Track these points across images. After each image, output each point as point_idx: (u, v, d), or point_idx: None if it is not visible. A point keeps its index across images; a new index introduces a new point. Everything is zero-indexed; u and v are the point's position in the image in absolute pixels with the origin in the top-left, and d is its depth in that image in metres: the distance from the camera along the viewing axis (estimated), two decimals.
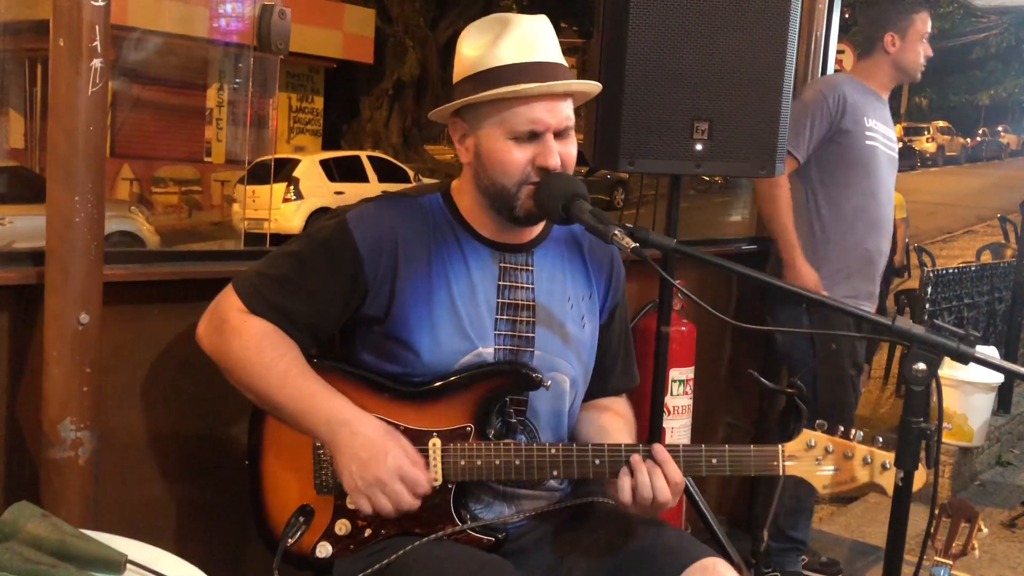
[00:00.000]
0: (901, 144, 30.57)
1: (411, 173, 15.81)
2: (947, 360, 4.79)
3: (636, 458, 1.61)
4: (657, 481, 1.59)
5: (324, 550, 1.67)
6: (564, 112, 1.65)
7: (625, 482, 1.60)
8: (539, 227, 1.78)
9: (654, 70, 2.34)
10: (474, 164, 1.69)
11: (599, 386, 1.88)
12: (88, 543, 1.31)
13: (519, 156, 1.63)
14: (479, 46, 1.66)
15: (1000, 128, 36.85)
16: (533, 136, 1.63)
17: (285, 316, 1.65)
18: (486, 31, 1.67)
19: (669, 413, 3.02)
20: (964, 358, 1.44)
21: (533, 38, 1.65)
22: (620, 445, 1.64)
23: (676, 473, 1.60)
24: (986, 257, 9.34)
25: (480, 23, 1.70)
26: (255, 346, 1.62)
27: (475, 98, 1.63)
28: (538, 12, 1.74)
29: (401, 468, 1.58)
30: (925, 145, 32.38)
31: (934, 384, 1.48)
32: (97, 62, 1.72)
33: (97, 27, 1.71)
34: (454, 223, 1.72)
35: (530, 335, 1.73)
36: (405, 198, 1.75)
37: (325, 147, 19.22)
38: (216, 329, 1.67)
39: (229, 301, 1.67)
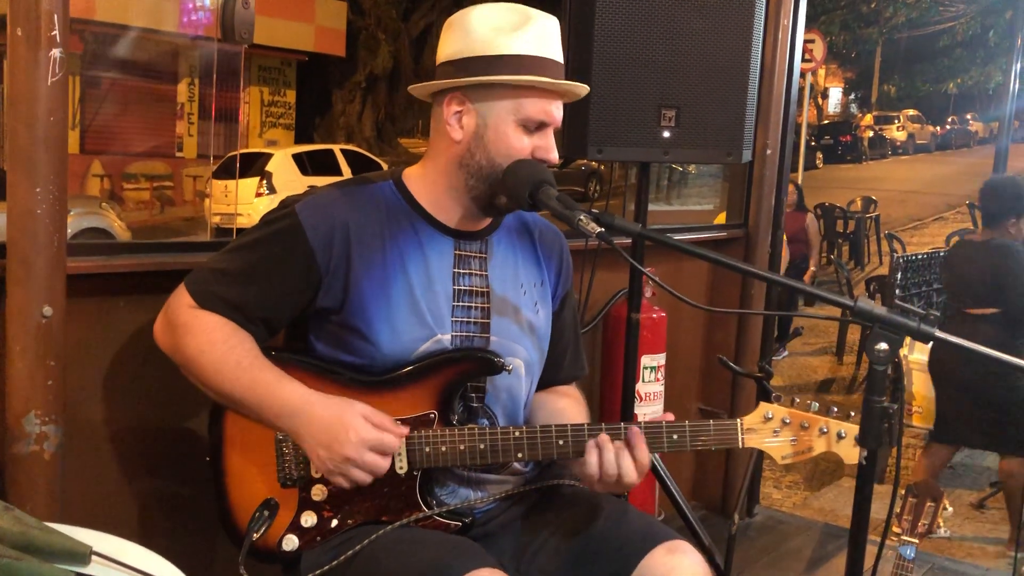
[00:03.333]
0: (872, 133, 30.87)
1: (384, 166, 15.76)
2: (918, 345, 4.86)
3: (604, 437, 1.62)
4: (623, 460, 1.60)
5: (291, 543, 1.66)
6: (560, 112, 1.71)
7: (593, 458, 1.61)
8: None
9: (621, 58, 2.35)
10: (468, 142, 1.68)
11: (552, 374, 1.90)
12: (52, 535, 1.30)
13: (525, 144, 1.67)
14: (497, 29, 1.65)
15: (969, 116, 37.24)
16: (539, 127, 1.67)
17: (236, 309, 1.64)
18: (502, 16, 1.67)
19: (641, 399, 3.04)
20: (925, 337, 1.46)
21: (551, 36, 1.69)
22: (583, 426, 1.66)
23: (644, 454, 1.62)
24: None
25: (496, 6, 1.69)
26: (207, 340, 1.61)
27: (507, 79, 1.63)
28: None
29: (366, 439, 1.57)
30: (895, 133, 32.64)
31: (905, 366, 1.50)
32: (56, 52, 1.70)
33: (56, 16, 1.68)
34: (409, 210, 1.72)
35: (485, 321, 1.73)
36: (356, 185, 1.74)
37: (298, 141, 19.13)
38: (169, 327, 1.66)
39: (181, 299, 1.66)
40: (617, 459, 1.60)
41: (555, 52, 1.68)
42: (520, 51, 1.64)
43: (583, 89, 1.72)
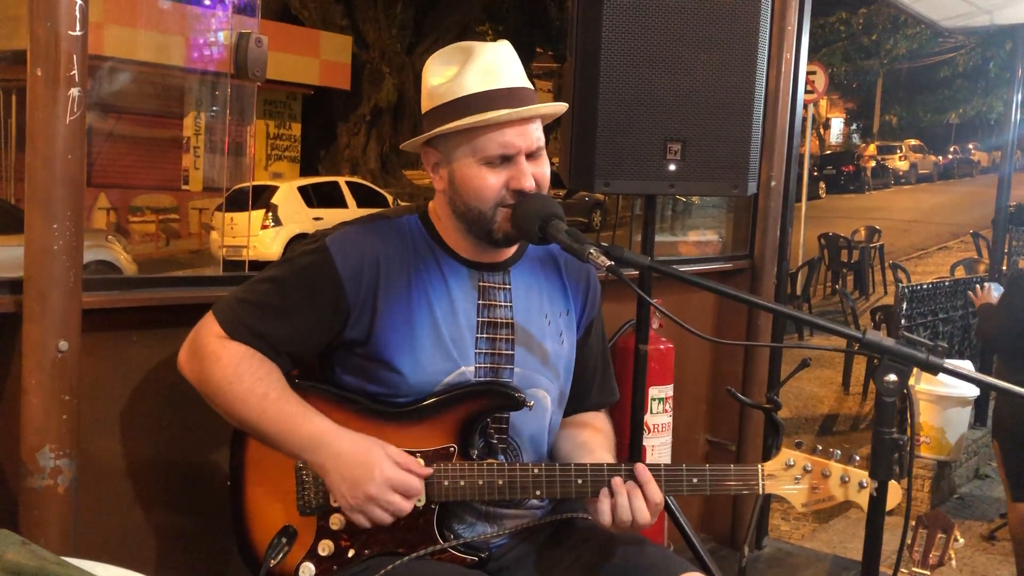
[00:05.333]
0: (874, 163, 30.98)
1: (390, 198, 15.84)
2: (925, 375, 4.82)
3: (617, 480, 1.62)
4: (636, 502, 1.61)
5: (307, 571, 1.67)
6: (534, 134, 1.68)
7: (605, 504, 1.62)
8: (515, 246, 1.80)
9: (627, 92, 2.37)
10: (448, 191, 1.71)
11: (579, 402, 1.90)
12: (68, 569, 1.30)
13: (493, 181, 1.65)
14: (445, 76, 1.69)
15: (971, 146, 37.35)
16: (505, 160, 1.65)
17: (265, 341, 1.65)
18: (450, 61, 1.70)
19: (649, 431, 3.03)
20: (933, 369, 1.47)
21: (497, 65, 1.67)
22: (603, 465, 1.66)
23: (656, 493, 1.62)
24: (960, 272, 9.45)
25: (443, 53, 1.72)
26: (234, 371, 1.62)
27: (445, 129, 1.65)
28: (513, 39, 1.77)
29: (390, 479, 1.59)
30: (898, 163, 32.73)
31: (912, 396, 1.51)
32: (75, 91, 1.73)
33: (75, 56, 1.72)
34: (433, 244, 1.74)
35: (509, 353, 1.74)
36: (383, 220, 1.76)
37: (303, 173, 19.24)
38: (196, 356, 1.67)
39: (209, 328, 1.67)
40: (631, 502, 1.61)
41: (504, 80, 1.66)
42: (465, 92, 1.64)
43: (543, 108, 1.68)
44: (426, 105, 1.72)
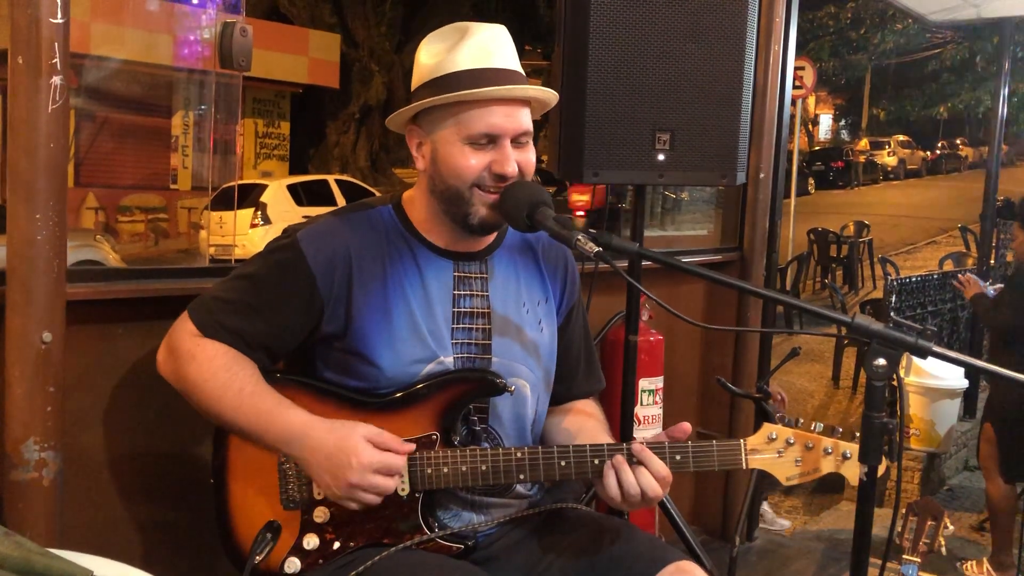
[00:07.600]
0: (864, 158, 31.08)
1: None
2: (914, 367, 4.84)
3: (619, 459, 1.61)
4: (644, 479, 1.59)
5: (293, 566, 1.66)
6: (521, 119, 1.66)
7: (612, 482, 1.60)
8: (492, 235, 1.78)
9: (615, 83, 2.37)
10: (429, 170, 1.69)
11: (566, 390, 1.89)
12: (53, 559, 1.29)
13: (475, 162, 1.63)
14: (437, 53, 1.67)
15: (959, 141, 37.51)
16: (490, 142, 1.64)
17: (239, 338, 1.64)
18: (444, 39, 1.69)
19: (639, 423, 3.03)
20: (922, 352, 1.46)
21: (491, 45, 1.66)
22: (585, 446, 1.65)
23: (662, 468, 1.60)
24: (948, 266, 9.49)
25: (439, 32, 1.71)
26: (209, 368, 1.62)
27: (432, 101, 1.64)
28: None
29: (370, 463, 1.57)
30: (887, 159, 32.86)
31: (901, 381, 1.50)
32: (57, 79, 1.71)
33: (56, 44, 1.70)
34: (407, 234, 1.72)
35: (487, 342, 1.73)
36: (356, 212, 1.75)
37: (292, 172, 19.18)
38: (172, 355, 1.67)
39: (184, 327, 1.67)
40: (639, 480, 1.59)
41: (496, 61, 1.65)
42: (455, 68, 1.63)
43: (532, 91, 1.66)
44: (416, 81, 1.70)
